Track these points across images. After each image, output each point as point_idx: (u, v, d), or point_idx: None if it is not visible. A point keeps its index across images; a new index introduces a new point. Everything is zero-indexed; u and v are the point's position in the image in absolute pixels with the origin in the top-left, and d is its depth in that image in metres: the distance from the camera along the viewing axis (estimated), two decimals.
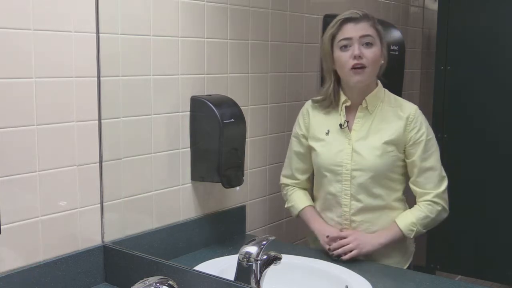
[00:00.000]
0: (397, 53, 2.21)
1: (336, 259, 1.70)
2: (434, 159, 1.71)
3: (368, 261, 1.73)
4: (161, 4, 1.70)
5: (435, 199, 1.70)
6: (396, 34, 2.28)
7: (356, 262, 1.70)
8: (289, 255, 1.63)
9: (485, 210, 2.28)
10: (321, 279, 1.63)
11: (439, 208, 1.71)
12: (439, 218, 1.72)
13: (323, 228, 1.78)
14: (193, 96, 1.79)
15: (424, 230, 1.72)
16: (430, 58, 2.62)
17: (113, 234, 1.65)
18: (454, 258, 2.37)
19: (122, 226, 1.68)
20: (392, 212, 1.74)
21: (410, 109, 1.72)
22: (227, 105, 1.81)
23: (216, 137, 1.74)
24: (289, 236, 2.19)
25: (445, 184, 1.72)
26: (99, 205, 1.63)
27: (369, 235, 1.73)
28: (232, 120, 1.78)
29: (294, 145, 1.86)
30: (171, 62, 1.74)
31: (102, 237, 1.64)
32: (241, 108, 1.83)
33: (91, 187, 1.60)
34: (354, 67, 1.67)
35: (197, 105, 1.78)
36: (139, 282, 1.20)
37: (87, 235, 1.60)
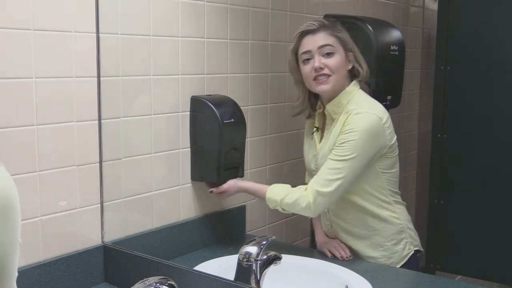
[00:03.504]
0: (397, 53, 2.20)
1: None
2: (339, 159, 1.62)
3: (368, 261, 1.73)
4: (161, 4, 1.70)
5: (310, 192, 1.63)
6: (396, 34, 2.27)
7: (356, 262, 1.70)
8: (289, 255, 1.64)
9: (485, 210, 2.28)
10: (321, 279, 1.63)
11: (307, 201, 1.63)
12: (299, 209, 1.66)
13: (323, 240, 1.83)
14: (193, 96, 1.79)
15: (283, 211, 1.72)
16: (430, 58, 2.61)
17: (113, 234, 1.65)
18: (454, 258, 2.37)
19: (122, 226, 1.68)
20: (363, 210, 1.72)
21: (355, 111, 1.65)
22: (227, 105, 1.81)
23: (216, 137, 1.74)
24: (289, 236, 2.19)
25: (327, 189, 1.61)
26: (99, 205, 1.63)
27: None
28: (232, 120, 1.78)
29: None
30: (171, 62, 1.74)
31: (102, 237, 1.64)
32: (241, 108, 1.83)
33: (91, 187, 1.60)
34: (316, 78, 1.68)
35: (197, 105, 1.78)
36: (139, 282, 1.19)
37: (87, 235, 1.60)
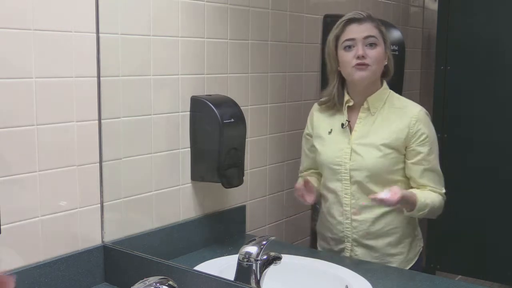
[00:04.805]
0: (397, 53, 2.21)
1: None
2: (436, 160, 1.71)
3: (368, 261, 1.73)
4: (161, 4, 1.70)
5: (441, 195, 1.73)
6: (396, 34, 2.27)
7: (356, 262, 1.70)
8: (289, 255, 1.64)
9: (485, 210, 2.28)
10: (321, 279, 1.63)
11: (443, 204, 1.72)
12: (438, 211, 1.73)
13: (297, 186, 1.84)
14: (193, 96, 1.79)
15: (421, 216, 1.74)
16: (430, 58, 2.62)
17: (113, 234, 1.65)
18: (454, 258, 2.37)
19: (122, 226, 1.68)
20: (394, 213, 1.73)
21: (413, 110, 1.71)
22: (227, 105, 1.81)
23: (216, 137, 1.74)
24: (289, 236, 2.19)
25: (443, 183, 1.73)
26: (99, 205, 1.63)
27: None
28: (232, 120, 1.78)
29: (304, 144, 1.90)
30: (171, 62, 1.74)
31: (102, 237, 1.64)
32: (241, 108, 1.83)
33: (91, 187, 1.60)
34: (356, 65, 1.68)
35: (197, 105, 1.78)
36: (139, 282, 1.20)
37: (87, 235, 1.60)
